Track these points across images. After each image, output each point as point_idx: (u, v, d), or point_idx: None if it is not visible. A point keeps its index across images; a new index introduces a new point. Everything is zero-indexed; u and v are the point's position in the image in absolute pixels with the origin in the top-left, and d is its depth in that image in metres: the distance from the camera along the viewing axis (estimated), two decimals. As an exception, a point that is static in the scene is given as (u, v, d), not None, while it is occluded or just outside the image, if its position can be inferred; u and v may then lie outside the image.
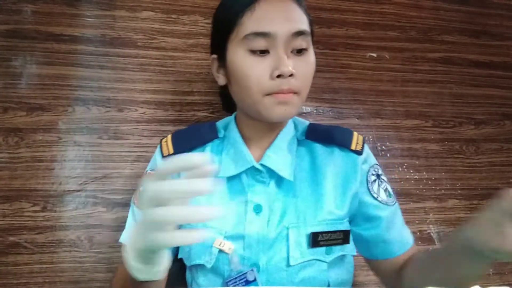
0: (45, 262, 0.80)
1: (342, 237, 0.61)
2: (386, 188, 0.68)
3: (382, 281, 0.71)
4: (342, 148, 0.66)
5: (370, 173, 0.67)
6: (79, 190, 0.84)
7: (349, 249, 0.63)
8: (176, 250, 0.66)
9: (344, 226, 0.63)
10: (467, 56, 1.13)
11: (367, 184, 0.66)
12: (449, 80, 1.10)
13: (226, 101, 0.76)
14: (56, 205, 0.83)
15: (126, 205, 0.86)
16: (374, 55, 1.06)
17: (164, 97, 0.92)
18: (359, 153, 0.66)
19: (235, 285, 0.57)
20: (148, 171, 0.67)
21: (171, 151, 0.65)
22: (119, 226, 0.85)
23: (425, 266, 0.58)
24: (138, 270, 0.41)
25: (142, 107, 0.90)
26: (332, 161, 0.66)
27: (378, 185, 0.67)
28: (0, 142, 0.83)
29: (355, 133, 0.69)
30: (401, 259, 0.65)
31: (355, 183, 0.65)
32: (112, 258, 0.83)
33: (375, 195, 0.66)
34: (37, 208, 0.82)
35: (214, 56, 0.65)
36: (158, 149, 0.68)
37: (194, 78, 0.94)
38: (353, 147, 0.66)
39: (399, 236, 0.66)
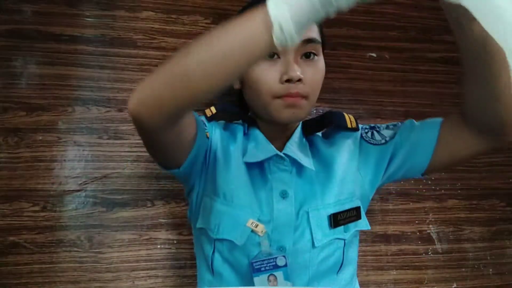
0: (45, 262, 0.80)
1: (355, 214, 0.64)
2: (387, 126, 0.70)
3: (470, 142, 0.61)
4: (340, 129, 0.70)
5: (364, 135, 0.70)
6: (79, 190, 0.84)
7: (363, 224, 0.66)
8: (197, 215, 0.67)
9: (355, 203, 0.66)
10: (467, 56, 1.12)
11: (369, 144, 0.68)
12: (449, 80, 1.10)
13: (242, 103, 0.78)
14: (56, 205, 0.83)
15: (126, 205, 0.86)
16: (374, 55, 1.06)
17: (164, 97, 0.92)
18: (355, 129, 0.69)
19: (261, 267, 0.59)
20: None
21: (214, 111, 0.69)
22: (119, 226, 0.85)
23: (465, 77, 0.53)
24: (289, 33, 0.38)
25: (142, 107, 0.90)
26: (335, 147, 0.69)
27: (378, 132, 0.69)
28: (0, 142, 0.83)
29: (345, 113, 0.72)
30: (447, 132, 0.61)
31: (357, 158, 0.68)
32: (112, 258, 0.83)
33: (383, 141, 0.67)
34: (37, 208, 0.82)
35: None
36: (203, 117, 0.69)
37: (194, 78, 0.94)
38: (349, 125, 0.69)
39: (422, 128, 0.65)
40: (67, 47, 0.89)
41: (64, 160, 0.85)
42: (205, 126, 0.66)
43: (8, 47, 0.87)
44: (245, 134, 0.70)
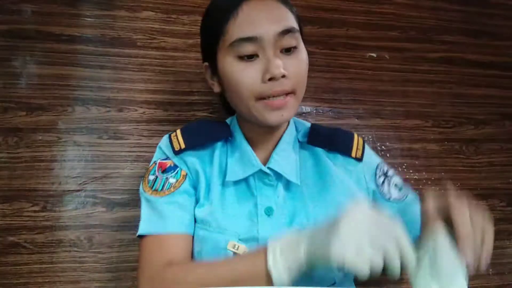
0: (44, 262, 0.80)
1: None
2: (396, 183, 0.68)
3: None
4: (344, 154, 0.68)
5: (377, 176, 0.68)
6: (78, 190, 0.84)
7: None
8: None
9: None
10: (467, 56, 1.12)
11: (378, 188, 0.67)
12: (449, 80, 1.10)
13: (226, 105, 0.77)
14: (56, 205, 0.83)
15: (126, 205, 0.86)
16: (374, 55, 1.06)
17: (163, 97, 0.92)
18: (359, 160, 0.68)
19: None
20: (159, 161, 0.66)
21: (183, 146, 0.64)
22: (119, 226, 0.85)
23: None
24: (281, 277, 0.46)
25: (142, 107, 0.90)
26: (336, 165, 0.67)
27: (388, 184, 0.68)
28: (0, 142, 0.83)
29: (355, 137, 0.70)
30: None
31: (359, 188, 0.67)
32: (112, 258, 0.83)
33: (388, 196, 0.67)
34: (36, 208, 0.82)
35: (206, 64, 0.65)
36: (166, 143, 0.67)
37: (194, 78, 0.94)
38: (353, 155, 0.67)
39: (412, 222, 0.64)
40: (67, 47, 0.89)
41: (64, 160, 0.85)
42: (181, 167, 0.64)
43: (8, 47, 0.87)
44: (226, 142, 0.67)
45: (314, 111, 0.99)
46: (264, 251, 0.48)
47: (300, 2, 1.03)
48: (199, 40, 0.95)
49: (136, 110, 0.90)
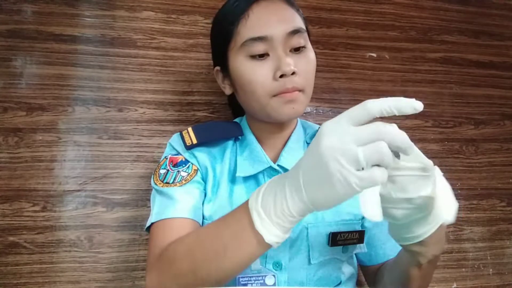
0: (44, 262, 0.80)
1: (357, 237, 0.63)
2: None
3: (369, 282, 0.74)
4: None
5: None
6: (79, 190, 0.84)
7: (361, 246, 0.66)
8: None
9: (360, 226, 0.65)
10: (467, 56, 1.12)
11: None
12: (449, 80, 1.10)
13: (235, 108, 0.77)
14: (56, 205, 0.83)
15: (126, 205, 0.86)
16: (374, 55, 1.06)
17: (164, 97, 0.92)
18: None
19: (248, 283, 0.57)
20: (169, 156, 0.66)
21: (195, 141, 0.65)
22: (119, 226, 0.85)
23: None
24: (275, 235, 0.41)
25: (142, 107, 0.90)
26: None
27: None
28: (0, 142, 0.83)
29: None
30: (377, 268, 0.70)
31: None
32: (112, 258, 0.83)
33: None
34: (37, 208, 0.82)
35: (218, 68, 0.67)
36: (177, 139, 0.68)
37: (194, 78, 0.94)
38: None
39: (383, 245, 0.68)
40: (67, 47, 0.89)
41: (64, 160, 0.85)
42: (191, 161, 0.65)
43: (8, 47, 0.87)
44: (236, 140, 0.68)
45: (314, 111, 0.99)
46: (247, 212, 0.44)
47: (300, 2, 1.03)
48: (199, 40, 0.96)
49: (136, 110, 0.90)
